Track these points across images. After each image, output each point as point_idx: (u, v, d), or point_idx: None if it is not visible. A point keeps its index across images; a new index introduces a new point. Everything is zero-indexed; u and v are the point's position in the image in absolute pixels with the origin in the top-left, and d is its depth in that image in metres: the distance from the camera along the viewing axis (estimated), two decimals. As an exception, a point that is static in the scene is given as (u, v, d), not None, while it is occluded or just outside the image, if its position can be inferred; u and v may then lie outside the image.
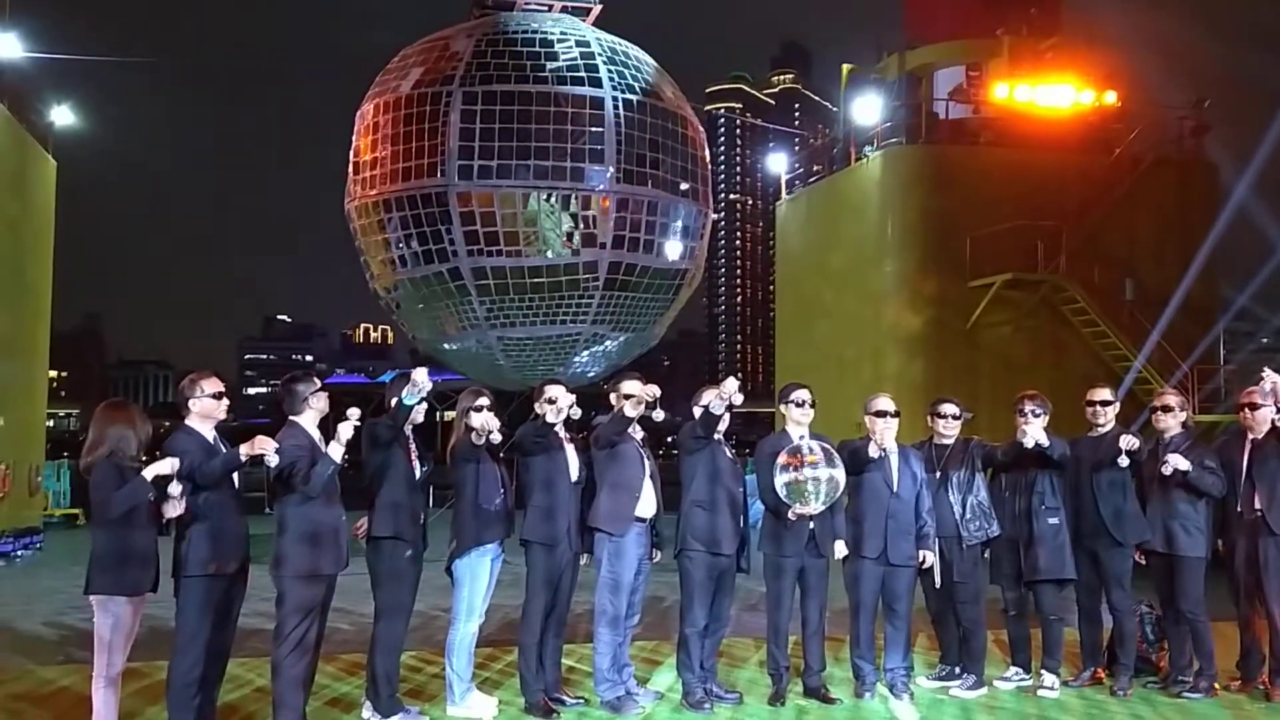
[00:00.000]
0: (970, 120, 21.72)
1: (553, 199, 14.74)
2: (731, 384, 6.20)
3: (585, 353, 15.66)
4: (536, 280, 14.54)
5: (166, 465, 5.10)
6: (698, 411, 6.38)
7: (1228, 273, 22.00)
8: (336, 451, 5.45)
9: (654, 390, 6.28)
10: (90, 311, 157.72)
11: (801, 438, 6.49)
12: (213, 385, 5.49)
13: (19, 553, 16.00)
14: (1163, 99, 23.24)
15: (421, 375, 5.70)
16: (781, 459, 6.31)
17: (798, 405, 6.63)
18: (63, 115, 21.07)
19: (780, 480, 6.28)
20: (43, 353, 20.65)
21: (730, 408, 6.25)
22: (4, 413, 17.21)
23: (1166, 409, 6.98)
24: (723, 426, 6.45)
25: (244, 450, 5.22)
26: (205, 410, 5.44)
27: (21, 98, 19.02)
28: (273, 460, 5.24)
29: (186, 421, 5.44)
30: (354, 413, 5.43)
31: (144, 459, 5.37)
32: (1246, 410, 6.91)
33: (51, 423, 36.42)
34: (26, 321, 19.22)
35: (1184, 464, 6.59)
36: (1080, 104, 21.75)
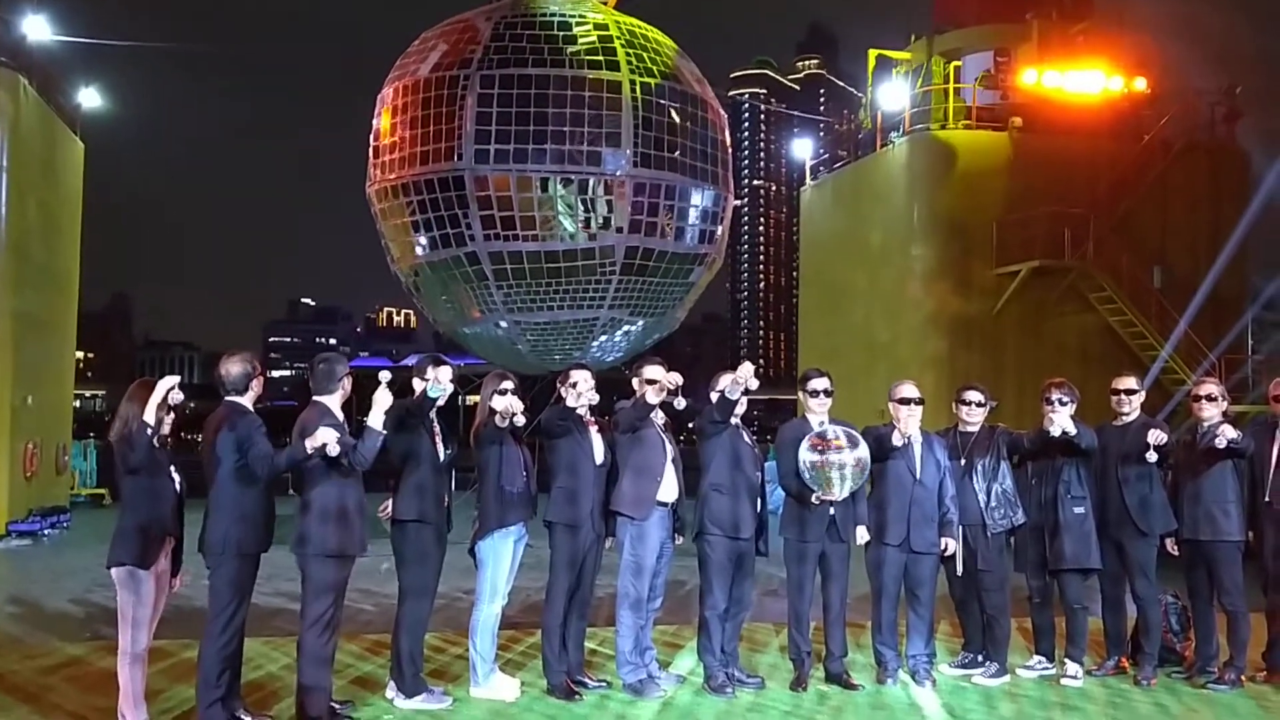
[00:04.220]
0: (999, 106, 21.51)
1: (570, 183, 14.70)
2: (747, 369, 6.22)
3: (605, 337, 15.64)
4: (553, 265, 14.48)
5: (332, 437, 5.17)
6: (715, 396, 6.38)
7: (1258, 261, 21.78)
8: (378, 419, 5.40)
9: (676, 378, 6.27)
10: (118, 292, 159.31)
11: (822, 424, 6.49)
12: (260, 367, 5.70)
13: (46, 531, 16.18)
14: (1194, 85, 22.94)
15: (445, 375, 5.75)
16: (807, 443, 6.30)
17: (812, 395, 6.63)
18: (90, 98, 21.18)
19: (805, 464, 6.27)
20: (71, 332, 20.83)
21: (747, 392, 6.24)
22: (32, 392, 17.38)
23: (1210, 398, 6.90)
24: (740, 410, 6.45)
25: (309, 444, 5.22)
26: (259, 390, 5.59)
27: (50, 80, 19.13)
28: (334, 450, 5.23)
29: (239, 400, 5.51)
30: (385, 375, 5.41)
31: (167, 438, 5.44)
32: (1277, 401, 6.85)
33: (79, 403, 36.78)
34: (55, 302, 19.39)
35: (1233, 432, 6.52)
36: (1110, 90, 21.51)
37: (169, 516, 5.39)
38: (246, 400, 5.53)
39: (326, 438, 5.17)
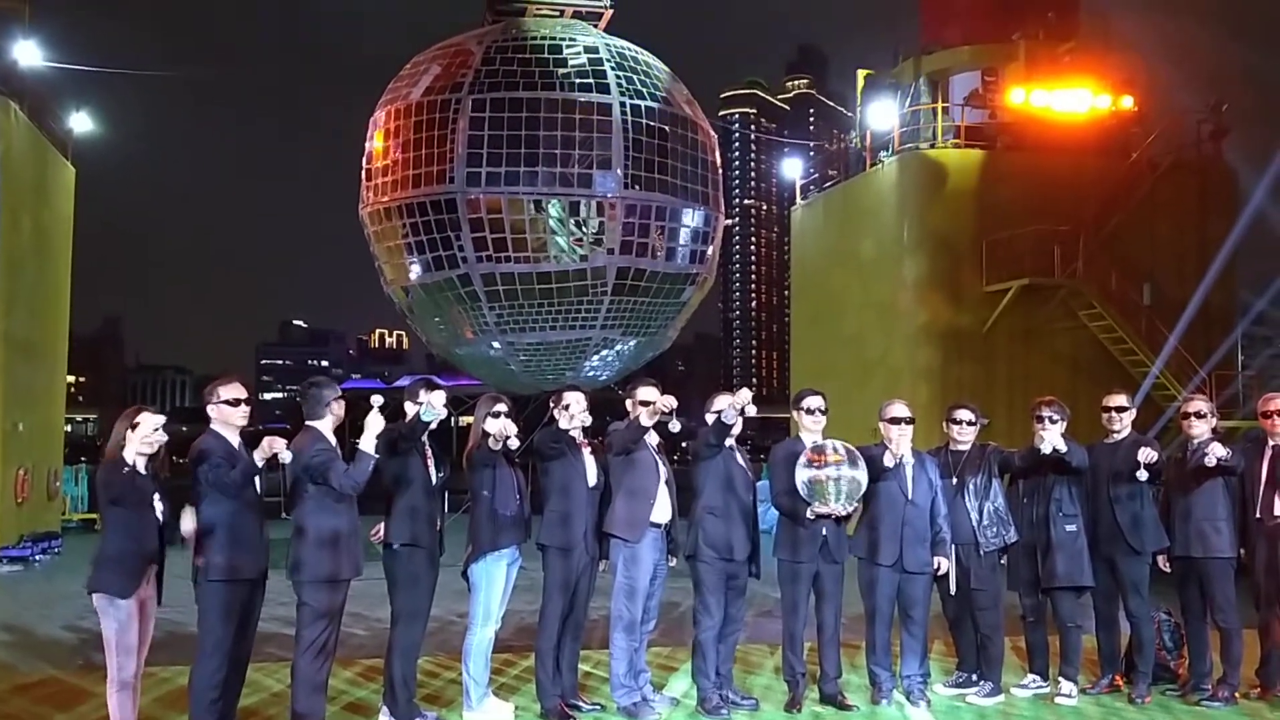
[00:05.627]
0: (987, 125, 21.65)
1: (561, 205, 14.77)
2: (745, 395, 6.22)
3: (597, 357, 15.67)
4: (545, 286, 14.56)
5: (280, 445, 5.15)
6: (710, 418, 6.40)
7: (1246, 277, 21.90)
8: (369, 443, 5.40)
9: (670, 401, 6.28)
10: (109, 316, 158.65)
11: (815, 441, 6.50)
12: (230, 391, 5.46)
13: (38, 557, 16.09)
14: (1181, 102, 23.16)
15: (438, 400, 5.73)
16: (804, 456, 6.32)
17: (809, 413, 6.65)
18: (81, 122, 21.22)
19: (802, 478, 6.28)
20: (62, 357, 20.82)
21: (742, 412, 6.26)
22: (24, 417, 17.34)
23: (1199, 415, 6.94)
24: (736, 430, 6.46)
25: (258, 456, 5.20)
26: (224, 416, 5.45)
27: (41, 105, 19.17)
28: (286, 457, 5.21)
29: (213, 425, 5.45)
30: (377, 400, 5.39)
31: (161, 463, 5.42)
32: (1266, 417, 6.88)
33: (70, 427, 36.63)
34: (47, 326, 19.38)
35: (1221, 450, 6.54)
36: (1097, 108, 21.66)
37: (150, 546, 5.30)
38: (216, 424, 5.45)
39: (275, 447, 5.15)
